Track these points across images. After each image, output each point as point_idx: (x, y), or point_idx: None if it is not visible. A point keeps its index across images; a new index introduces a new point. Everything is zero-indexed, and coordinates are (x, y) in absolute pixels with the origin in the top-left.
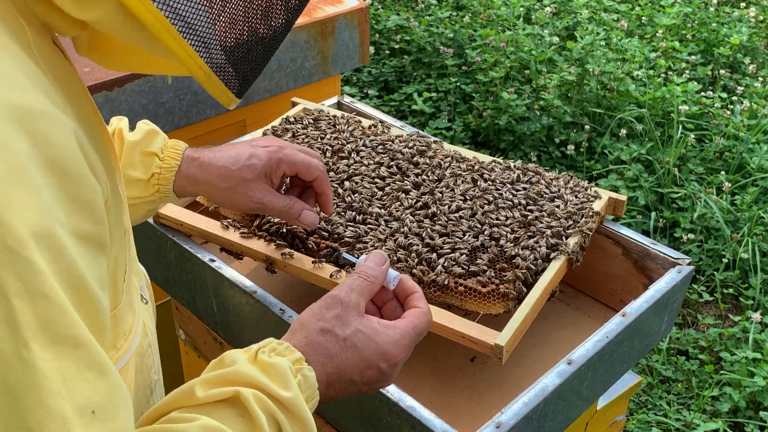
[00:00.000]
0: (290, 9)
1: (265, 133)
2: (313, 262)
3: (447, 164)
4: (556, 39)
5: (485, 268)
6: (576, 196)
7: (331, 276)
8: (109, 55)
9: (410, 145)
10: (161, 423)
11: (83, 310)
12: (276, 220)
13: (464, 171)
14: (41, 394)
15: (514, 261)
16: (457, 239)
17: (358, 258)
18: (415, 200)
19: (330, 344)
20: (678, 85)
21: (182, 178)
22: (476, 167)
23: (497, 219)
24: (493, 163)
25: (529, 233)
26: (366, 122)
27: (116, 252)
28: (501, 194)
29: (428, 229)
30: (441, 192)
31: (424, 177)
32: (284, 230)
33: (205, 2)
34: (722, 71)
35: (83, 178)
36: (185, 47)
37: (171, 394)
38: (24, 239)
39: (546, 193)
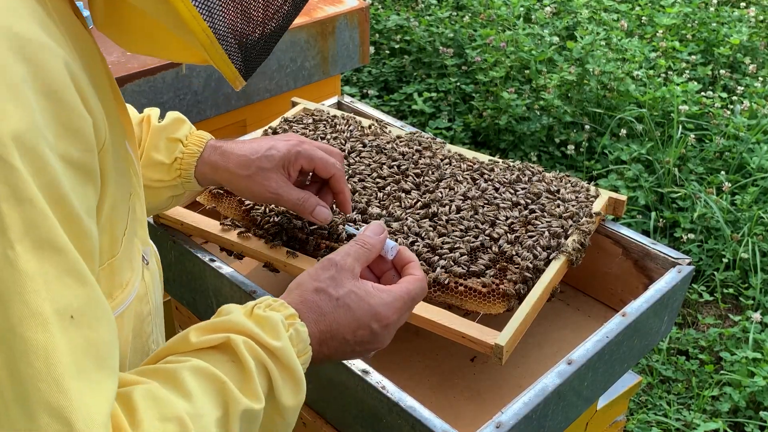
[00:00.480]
0: None
1: (265, 133)
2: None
3: (447, 164)
4: (556, 39)
5: (485, 267)
6: (576, 196)
7: None
8: (123, 32)
9: (410, 145)
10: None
11: (66, 226)
12: (276, 219)
13: (464, 171)
14: (24, 293)
15: (513, 261)
16: (457, 239)
17: (359, 230)
18: (415, 200)
19: (323, 303)
20: (678, 85)
21: (204, 165)
22: (476, 167)
23: (497, 219)
24: (493, 163)
25: (529, 233)
26: (366, 122)
27: (114, 200)
28: (501, 194)
29: (428, 229)
30: (441, 192)
31: (424, 177)
32: (283, 227)
33: None
34: (722, 71)
35: (74, 107)
36: (190, 8)
37: (168, 342)
38: (10, 150)
39: (546, 193)
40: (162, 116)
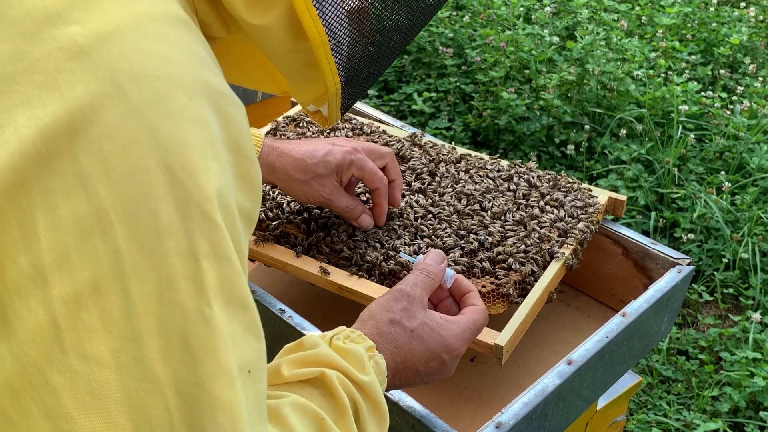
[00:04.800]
0: (401, 40)
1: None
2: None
3: (446, 164)
4: (556, 39)
5: (485, 268)
6: (575, 196)
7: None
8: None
9: (408, 145)
10: None
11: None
12: (275, 223)
13: (463, 171)
14: (216, 350)
15: (513, 261)
16: (457, 239)
17: (415, 258)
18: (413, 201)
19: (398, 335)
20: (678, 85)
21: (261, 165)
22: (475, 167)
23: (497, 219)
24: (493, 163)
25: (528, 233)
26: (364, 122)
27: None
28: (501, 194)
29: (427, 229)
30: (440, 192)
31: (422, 178)
32: (285, 231)
33: (349, 27)
34: (722, 71)
35: (252, 159)
36: (331, 63)
37: None
38: (215, 207)
39: (545, 193)
40: None
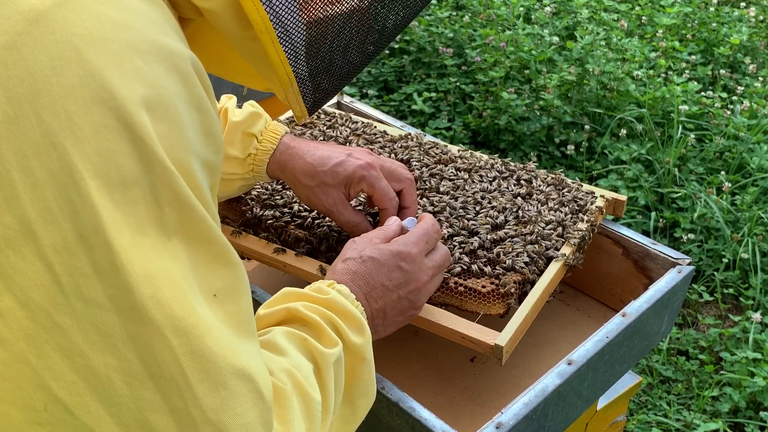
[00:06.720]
0: (377, 39)
1: None
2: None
3: (445, 164)
4: (556, 39)
5: (485, 268)
6: (575, 196)
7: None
8: (197, 52)
9: (407, 145)
10: None
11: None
12: (271, 221)
13: (463, 171)
14: (177, 277)
15: (514, 261)
16: (457, 239)
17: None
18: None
19: (350, 264)
20: (678, 85)
21: (274, 163)
22: (475, 167)
23: (497, 219)
24: (492, 163)
25: (528, 233)
26: (364, 122)
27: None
28: (501, 194)
29: None
30: (440, 192)
31: (422, 177)
32: (284, 230)
33: (303, 17)
34: (722, 71)
35: (213, 113)
36: (279, 52)
37: None
38: (169, 164)
39: (546, 193)
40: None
